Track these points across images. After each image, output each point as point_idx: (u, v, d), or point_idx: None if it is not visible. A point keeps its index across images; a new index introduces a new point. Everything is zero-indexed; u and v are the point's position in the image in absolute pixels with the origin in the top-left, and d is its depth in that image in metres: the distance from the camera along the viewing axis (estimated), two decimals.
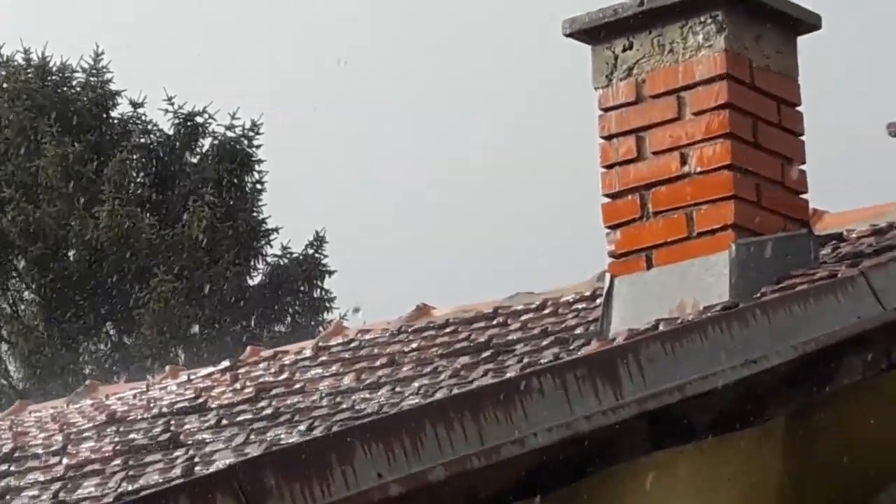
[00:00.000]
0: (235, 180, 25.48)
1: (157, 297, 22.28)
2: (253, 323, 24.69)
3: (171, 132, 25.83)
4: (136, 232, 22.80)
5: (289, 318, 25.28)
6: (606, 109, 5.72)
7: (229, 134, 25.74)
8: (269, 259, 25.56)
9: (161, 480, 4.23)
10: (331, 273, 25.55)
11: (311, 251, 25.55)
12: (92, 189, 23.39)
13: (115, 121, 25.76)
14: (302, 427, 4.93)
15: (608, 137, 5.71)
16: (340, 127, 38.70)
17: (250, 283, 25.10)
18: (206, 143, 25.92)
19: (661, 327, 4.95)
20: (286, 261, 25.46)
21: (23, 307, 24.44)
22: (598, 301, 5.82)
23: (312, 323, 24.16)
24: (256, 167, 25.85)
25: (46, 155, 23.40)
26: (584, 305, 6.34)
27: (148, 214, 23.25)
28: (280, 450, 3.50)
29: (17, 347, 23.15)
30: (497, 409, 3.62)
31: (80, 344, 24.17)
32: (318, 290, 25.59)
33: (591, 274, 6.77)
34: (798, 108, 5.78)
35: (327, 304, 25.45)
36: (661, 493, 4.29)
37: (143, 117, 25.87)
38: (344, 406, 5.36)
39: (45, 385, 20.81)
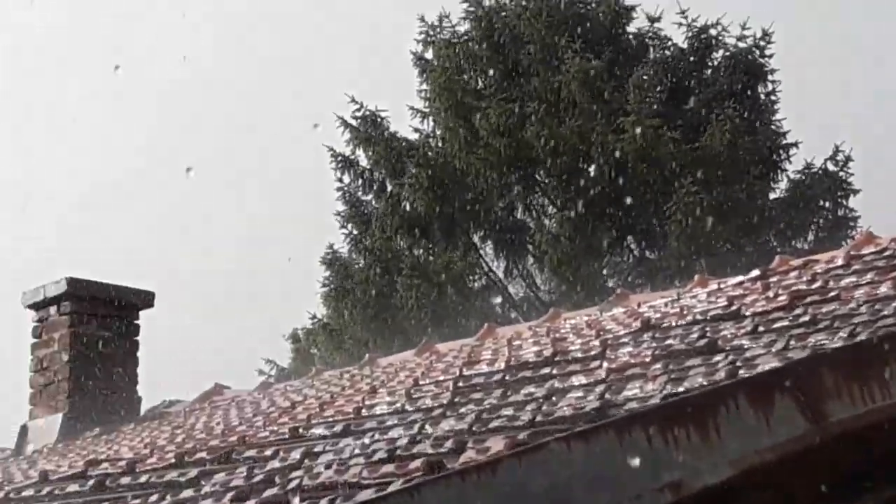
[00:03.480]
0: (749, 92, 25.17)
1: (683, 209, 22.31)
2: (772, 238, 24.37)
3: (684, 46, 25.81)
4: (661, 145, 22.89)
5: (811, 236, 24.75)
6: None
7: (741, 45, 25.44)
8: (790, 174, 25.15)
9: (705, 383, 4.25)
10: (855, 192, 24.87)
11: (832, 167, 24.94)
12: (613, 104, 23.67)
13: (631, 36, 25.99)
14: (843, 333, 4.83)
15: None
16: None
17: (771, 198, 24.77)
18: (719, 55, 25.76)
19: None
20: (807, 176, 24.97)
21: (546, 221, 25.10)
22: None
23: (834, 241, 23.57)
24: (769, 77, 25.44)
25: (569, 70, 23.86)
26: None
27: (666, 128, 23.25)
28: (837, 350, 3.46)
29: (547, 258, 23.78)
30: None
31: (603, 257, 24.62)
32: (842, 209, 24.95)
33: None
34: None
35: (850, 224, 24.76)
36: None
37: (659, 32, 25.99)
38: (885, 313, 5.22)
39: (570, 296, 21.35)
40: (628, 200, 23.60)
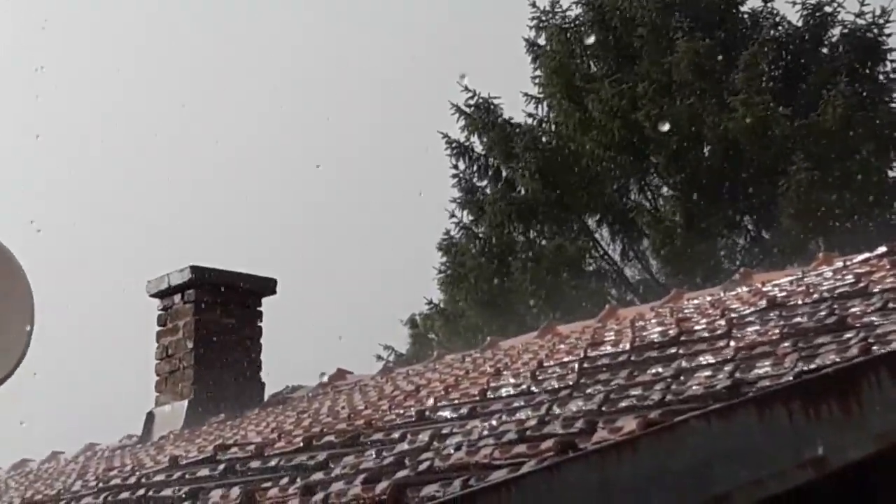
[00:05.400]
0: (867, 70, 24.70)
1: (796, 186, 22.03)
2: (891, 215, 23.94)
3: (799, 24, 25.47)
4: (771, 122, 22.61)
5: None
6: None
7: (859, 22, 25.02)
8: None
9: (838, 360, 4.19)
10: None
11: None
12: (724, 83, 23.44)
13: (745, 15, 25.70)
14: None
15: None
16: None
17: (890, 174, 24.32)
18: (836, 32, 25.36)
19: None
20: None
21: (661, 202, 24.94)
22: None
23: None
24: (888, 56, 24.97)
25: (678, 51, 23.67)
26: None
27: (780, 106, 22.94)
28: None
29: (662, 240, 23.61)
30: None
31: (717, 237, 24.39)
32: None
33: None
34: None
35: None
36: None
37: (773, 11, 25.66)
38: None
39: (686, 278, 21.17)
40: (743, 180, 23.36)
